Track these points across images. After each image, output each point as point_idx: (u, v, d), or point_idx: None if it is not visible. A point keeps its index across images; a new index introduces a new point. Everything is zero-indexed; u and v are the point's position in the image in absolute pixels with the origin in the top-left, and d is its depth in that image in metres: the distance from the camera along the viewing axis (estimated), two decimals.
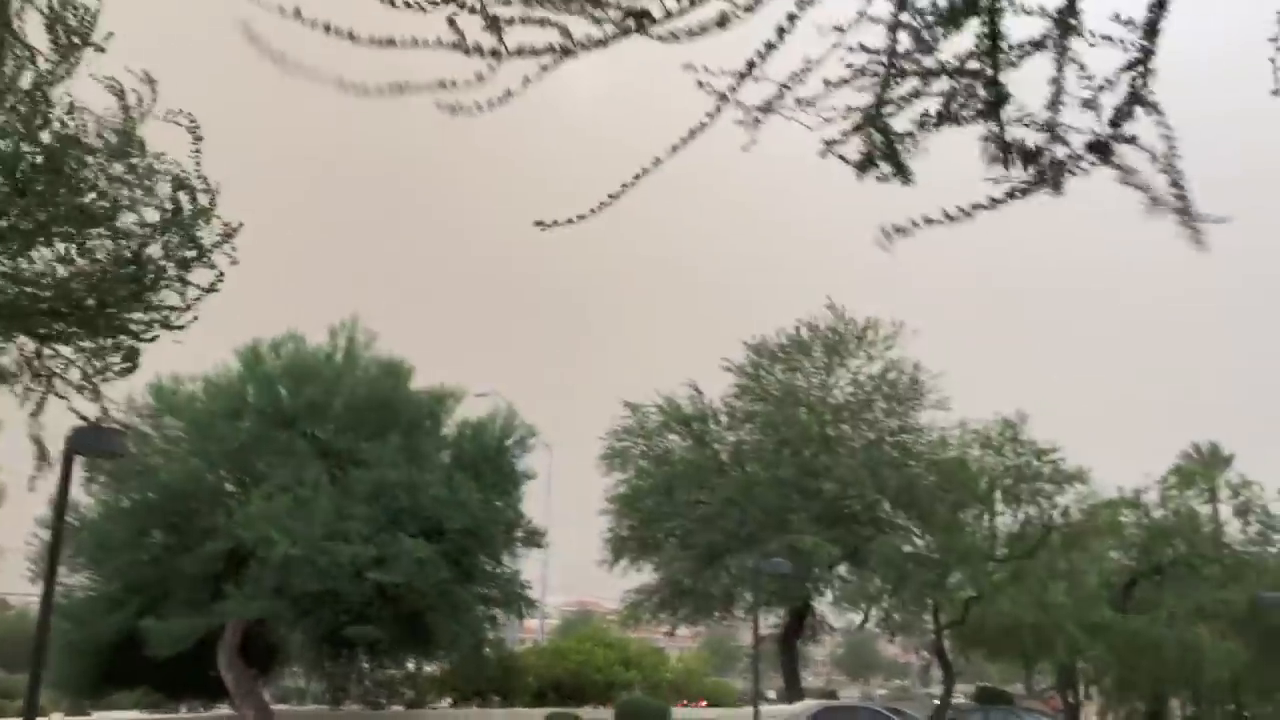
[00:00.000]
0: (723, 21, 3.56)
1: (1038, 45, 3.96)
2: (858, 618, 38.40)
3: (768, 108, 3.83)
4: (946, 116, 4.03)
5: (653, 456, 36.90)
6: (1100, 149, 3.96)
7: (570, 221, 4.16)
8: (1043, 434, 35.20)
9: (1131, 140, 3.96)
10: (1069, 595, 33.14)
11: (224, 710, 22.67)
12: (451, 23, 3.44)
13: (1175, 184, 3.92)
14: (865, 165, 4.12)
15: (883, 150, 4.09)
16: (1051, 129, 4.03)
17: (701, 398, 36.75)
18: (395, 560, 19.98)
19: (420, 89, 3.50)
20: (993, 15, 3.85)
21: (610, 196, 4.07)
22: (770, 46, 3.74)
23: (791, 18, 3.68)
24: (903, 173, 4.14)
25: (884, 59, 3.93)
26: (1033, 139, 4.04)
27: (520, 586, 24.79)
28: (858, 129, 4.06)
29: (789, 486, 33.94)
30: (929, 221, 4.07)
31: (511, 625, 31.97)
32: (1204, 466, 37.98)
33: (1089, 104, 4.00)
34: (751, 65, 3.78)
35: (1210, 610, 33.19)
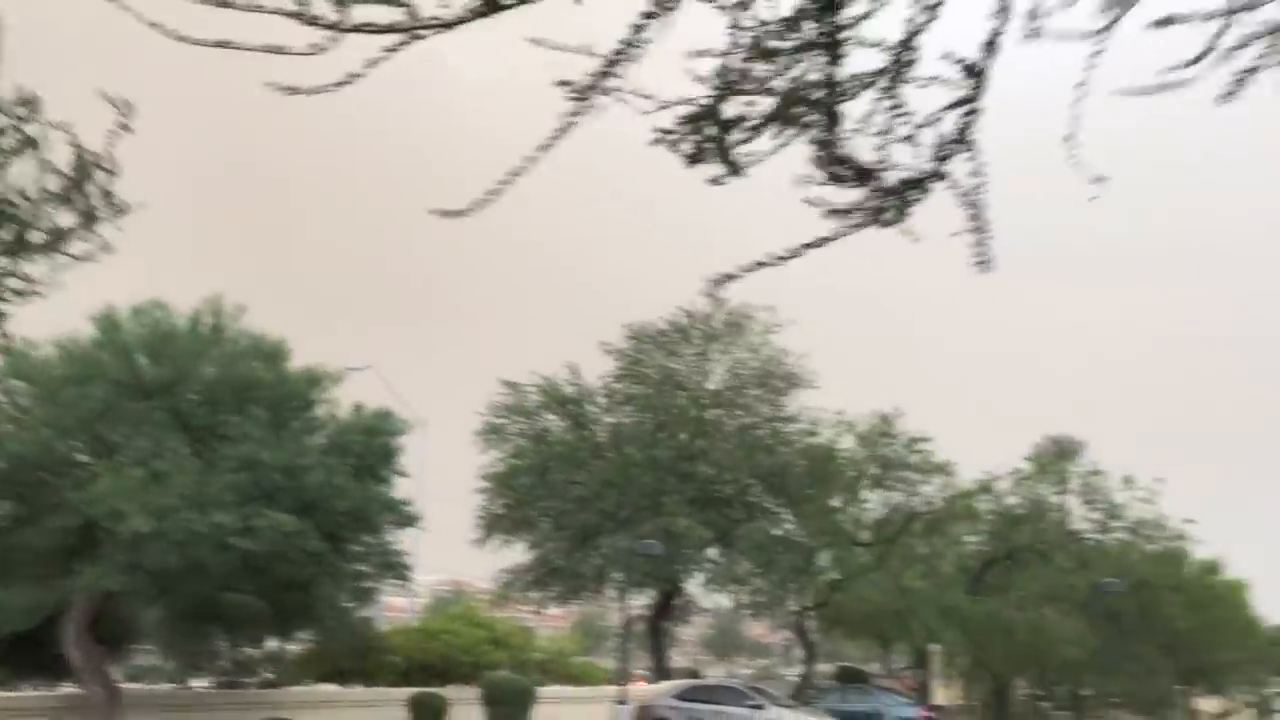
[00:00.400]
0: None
1: (873, 79, 4.05)
2: (726, 599, 39.18)
3: (603, 91, 3.76)
4: (783, 119, 4.06)
5: (530, 435, 36.83)
6: (917, 185, 4.07)
7: (461, 213, 4.07)
8: (916, 425, 36.47)
9: (942, 177, 4.08)
10: (926, 579, 34.46)
11: (70, 689, 21.71)
12: None
13: (975, 218, 4.07)
14: (696, 159, 4.09)
15: (715, 145, 4.07)
16: (878, 165, 4.13)
17: (580, 379, 36.85)
18: (262, 531, 19.46)
19: (253, 51, 3.41)
20: (834, 49, 3.91)
21: (489, 193, 3.98)
22: (629, 44, 3.71)
23: (649, 15, 3.67)
24: (734, 168, 4.14)
25: (724, 66, 3.93)
26: (867, 158, 4.13)
27: (397, 555, 24.54)
28: (691, 121, 4.03)
29: (665, 469, 34.35)
30: (760, 265, 4.19)
31: (378, 605, 31.56)
32: (1057, 457, 39.83)
33: (909, 139, 4.11)
34: (616, 56, 3.74)
35: (1058, 594, 34.91)
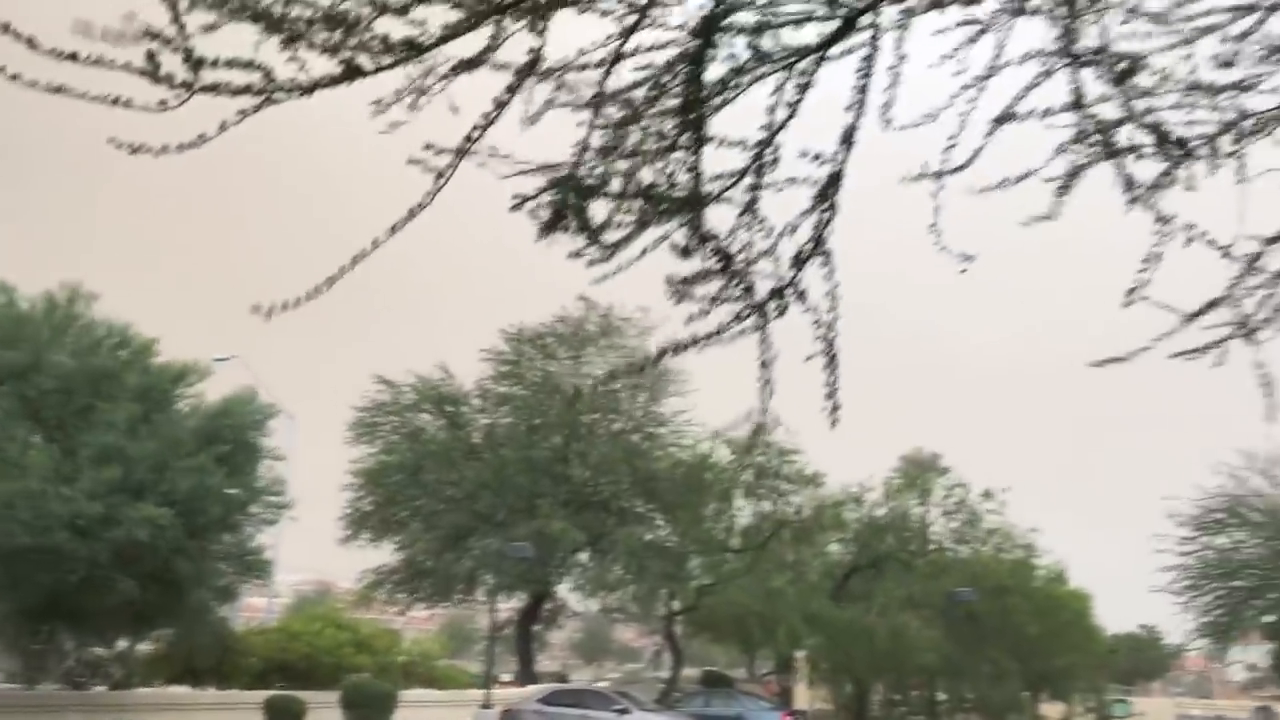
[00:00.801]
0: (427, 78, 3.57)
1: (738, 177, 4.13)
2: (596, 604, 39.20)
3: (465, 152, 3.76)
4: (649, 203, 4.08)
5: (404, 433, 36.20)
6: (777, 298, 4.14)
7: (312, 295, 3.91)
8: (789, 438, 37.13)
9: (802, 296, 4.18)
10: (793, 586, 35.16)
11: None
12: (151, 56, 3.26)
13: (829, 351, 4.18)
14: (552, 225, 4.05)
15: (574, 212, 4.05)
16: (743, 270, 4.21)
17: (454, 380, 36.44)
18: (130, 523, 18.77)
19: (96, 101, 3.30)
20: (698, 146, 3.99)
21: (360, 254, 3.86)
22: (495, 111, 3.72)
23: (511, 89, 3.68)
24: (592, 237, 4.11)
25: (586, 140, 3.96)
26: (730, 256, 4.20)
27: (257, 554, 23.88)
28: (551, 187, 4.02)
29: (540, 471, 34.20)
30: (656, 360, 4.30)
31: (235, 604, 30.56)
32: (920, 469, 41.18)
33: (769, 252, 4.20)
34: (486, 123, 3.73)
35: (918, 601, 36.05)
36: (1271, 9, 4.10)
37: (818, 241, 4.18)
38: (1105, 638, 48.99)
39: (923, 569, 38.47)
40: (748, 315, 4.17)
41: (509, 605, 38.60)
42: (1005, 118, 4.42)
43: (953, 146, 4.37)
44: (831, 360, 4.18)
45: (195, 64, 3.31)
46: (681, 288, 4.14)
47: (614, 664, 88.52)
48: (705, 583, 36.87)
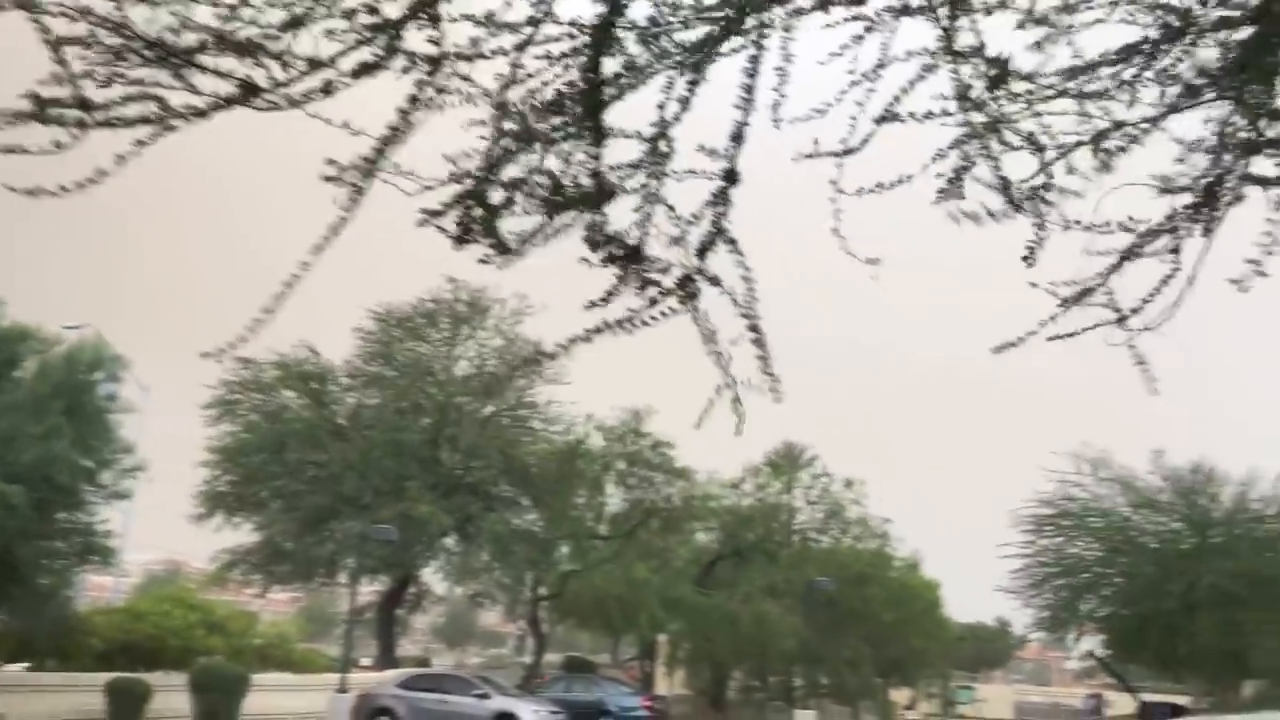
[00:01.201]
0: (328, 90, 3.54)
1: (635, 168, 4.16)
2: (461, 589, 38.86)
3: (369, 170, 3.73)
4: (552, 203, 4.09)
5: (265, 412, 35.13)
6: (687, 285, 4.19)
7: (294, 279, 3.87)
8: (663, 428, 37.57)
9: (716, 281, 4.22)
10: (657, 573, 35.52)
11: None
12: (38, 99, 3.22)
13: (753, 328, 4.24)
14: (463, 238, 4.08)
15: (482, 224, 4.08)
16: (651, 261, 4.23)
17: (320, 358, 35.54)
18: None
19: None
20: (598, 140, 4.00)
21: (290, 280, 3.84)
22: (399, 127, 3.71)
23: (414, 98, 3.69)
24: (502, 247, 4.14)
25: (490, 141, 3.97)
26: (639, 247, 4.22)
27: (103, 537, 22.77)
28: (458, 201, 4.02)
29: (409, 454, 33.65)
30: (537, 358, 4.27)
31: (78, 582, 29.20)
32: (788, 461, 42.10)
33: (677, 240, 4.24)
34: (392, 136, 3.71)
35: (780, 589, 36.84)
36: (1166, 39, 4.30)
37: (718, 231, 4.24)
38: (954, 626, 51.10)
39: (786, 558, 39.34)
40: (656, 302, 4.18)
41: (371, 589, 37.91)
42: (887, 118, 4.53)
43: (847, 149, 4.48)
44: (758, 339, 4.23)
45: (84, 105, 3.29)
46: (615, 267, 4.15)
47: (478, 649, 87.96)
48: (572, 569, 36.92)
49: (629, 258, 4.15)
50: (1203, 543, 36.05)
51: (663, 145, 4.18)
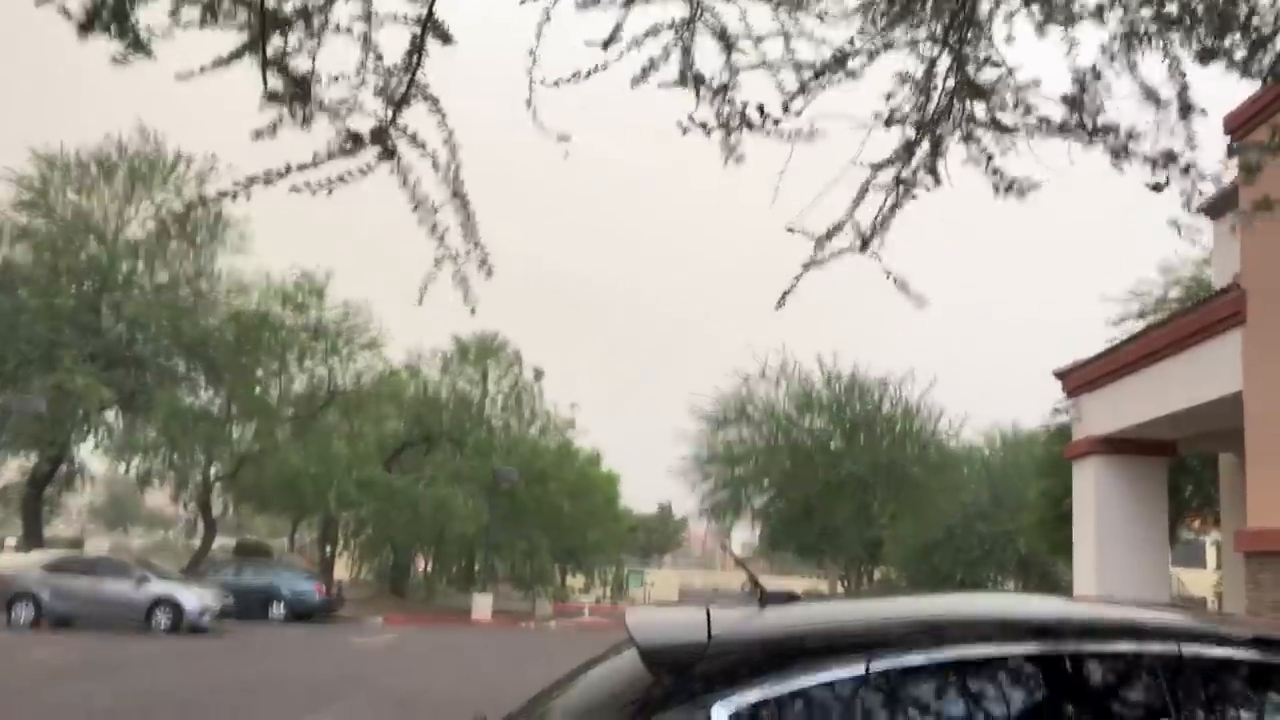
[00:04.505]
0: None
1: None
2: (124, 467, 36.28)
3: None
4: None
5: None
6: (379, 137, 3.94)
7: None
8: (353, 293, 36.27)
9: (413, 137, 4.00)
10: (347, 450, 34.82)
11: None
12: None
13: (456, 194, 4.08)
14: (89, 25, 3.60)
15: (112, 12, 3.61)
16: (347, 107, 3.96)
17: None
18: None
19: None
20: None
21: None
22: None
23: None
24: (135, 43, 3.69)
25: None
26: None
27: None
28: None
29: (64, 319, 30.59)
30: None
31: None
32: (480, 348, 42.11)
33: (382, 91, 3.99)
34: None
35: (465, 476, 37.17)
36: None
37: (412, 84, 4.01)
38: (630, 518, 53.87)
39: (473, 446, 39.67)
40: (344, 152, 3.90)
41: (17, 465, 34.68)
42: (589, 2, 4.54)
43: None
44: (463, 204, 4.06)
45: None
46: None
47: (142, 532, 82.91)
48: (252, 450, 35.36)
49: (296, 94, 3.85)
50: (849, 439, 40.26)
51: None
